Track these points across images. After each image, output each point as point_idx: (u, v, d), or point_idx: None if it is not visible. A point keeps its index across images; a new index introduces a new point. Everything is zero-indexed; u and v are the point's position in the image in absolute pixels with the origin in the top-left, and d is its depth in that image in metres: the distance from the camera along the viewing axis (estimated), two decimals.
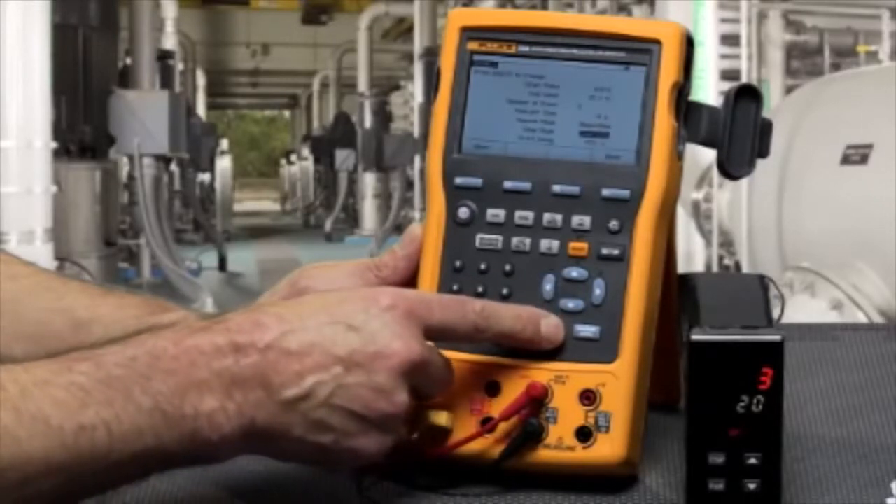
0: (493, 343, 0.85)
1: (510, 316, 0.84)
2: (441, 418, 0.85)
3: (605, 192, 0.87)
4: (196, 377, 0.74)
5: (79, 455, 0.69)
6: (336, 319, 0.78)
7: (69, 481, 0.70)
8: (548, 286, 0.87)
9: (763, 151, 0.90)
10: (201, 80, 24.00)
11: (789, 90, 8.84)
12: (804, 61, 10.21)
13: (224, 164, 20.21)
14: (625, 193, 0.87)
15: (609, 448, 0.84)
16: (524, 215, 0.88)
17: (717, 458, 0.80)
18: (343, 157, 19.62)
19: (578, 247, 0.87)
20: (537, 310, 0.85)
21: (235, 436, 0.74)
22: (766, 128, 0.90)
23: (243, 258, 16.01)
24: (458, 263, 0.88)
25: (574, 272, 0.87)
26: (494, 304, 0.85)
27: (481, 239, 0.88)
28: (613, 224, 0.87)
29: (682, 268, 0.95)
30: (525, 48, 0.90)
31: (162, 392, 0.73)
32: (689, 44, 0.89)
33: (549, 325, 0.85)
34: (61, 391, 0.70)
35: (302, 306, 0.79)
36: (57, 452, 0.69)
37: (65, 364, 0.72)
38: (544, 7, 12.45)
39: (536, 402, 0.84)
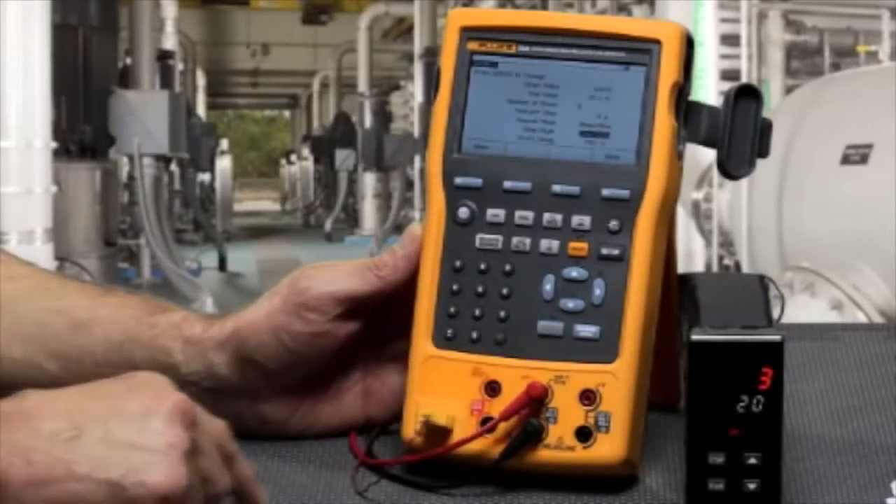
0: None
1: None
2: (441, 418, 0.85)
3: (605, 192, 0.87)
4: None
5: None
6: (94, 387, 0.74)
7: None
8: (548, 286, 0.87)
9: (763, 151, 0.90)
10: (201, 80, 23.99)
11: (789, 90, 8.84)
12: (804, 61, 10.21)
13: (224, 164, 20.21)
14: (625, 193, 0.87)
15: (609, 448, 0.84)
16: (524, 215, 0.88)
17: (717, 458, 0.80)
18: (343, 157, 19.62)
19: (578, 247, 0.87)
20: None
21: (15, 477, 0.68)
22: (766, 128, 0.90)
23: (243, 258, 16.01)
24: (457, 263, 0.88)
25: (574, 272, 0.87)
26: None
27: (481, 239, 0.88)
28: (613, 224, 0.87)
29: (682, 268, 0.95)
30: (525, 48, 0.90)
31: None
32: (689, 44, 0.89)
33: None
34: None
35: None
36: None
37: None
38: (544, 7, 12.45)
39: (536, 402, 0.84)
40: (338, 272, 0.92)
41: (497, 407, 0.85)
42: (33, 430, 0.69)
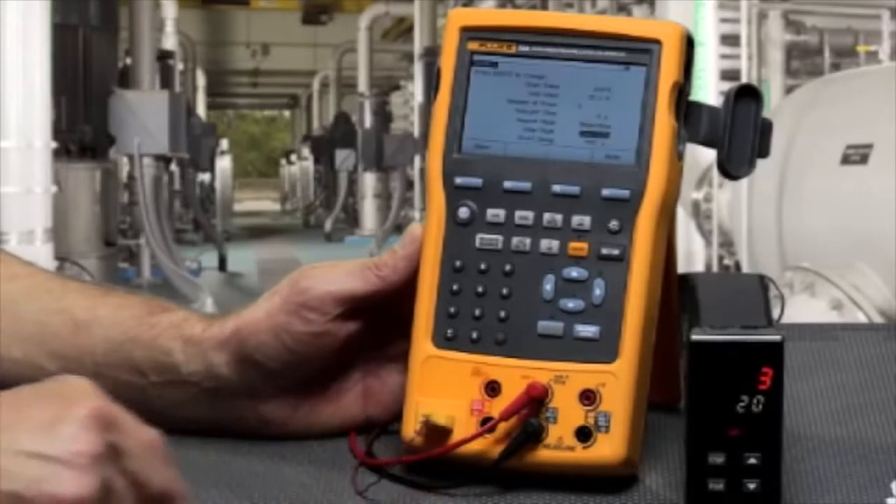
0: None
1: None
2: (441, 418, 0.85)
3: (605, 192, 0.87)
4: None
5: None
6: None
7: None
8: (548, 286, 0.87)
9: (763, 151, 0.90)
10: (201, 80, 24.00)
11: (789, 90, 8.85)
12: (804, 61, 10.21)
13: (224, 164, 20.23)
14: (625, 193, 0.87)
15: (609, 448, 0.84)
16: (524, 215, 0.88)
17: (717, 458, 0.80)
18: (343, 157, 19.62)
19: (578, 247, 0.87)
20: None
21: None
22: (766, 128, 0.90)
23: (243, 258, 16.02)
24: (457, 263, 0.88)
25: (574, 272, 0.87)
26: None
27: (481, 239, 0.88)
28: (613, 224, 0.87)
29: (682, 268, 0.95)
30: (525, 48, 0.90)
31: None
32: (689, 44, 0.89)
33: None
34: None
35: None
36: None
37: None
38: (544, 7, 12.45)
39: (536, 402, 0.84)
40: (338, 272, 0.92)
41: (497, 407, 0.85)
42: None
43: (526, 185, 0.88)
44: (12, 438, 0.67)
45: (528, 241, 0.88)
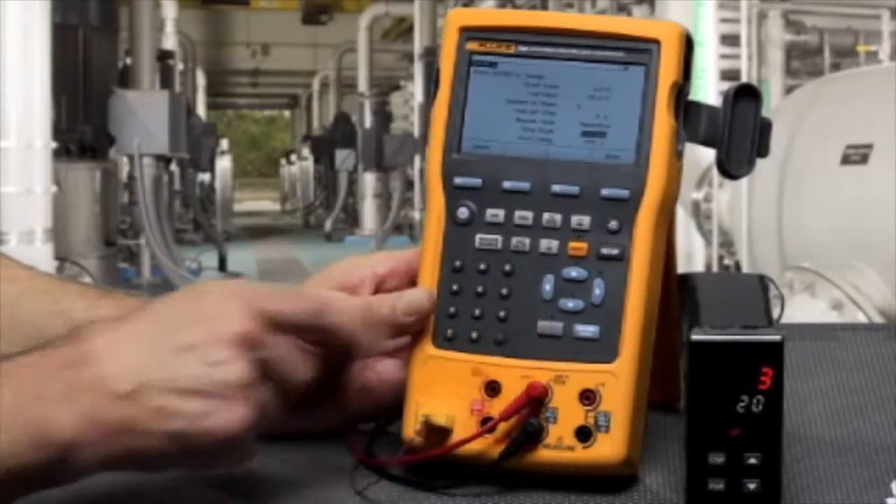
0: (329, 334, 0.85)
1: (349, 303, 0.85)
2: (441, 418, 0.85)
3: (605, 191, 0.87)
4: (38, 389, 0.74)
5: None
6: (161, 313, 0.79)
7: None
8: (547, 286, 0.87)
9: (762, 151, 0.90)
10: (201, 80, 24.00)
11: (789, 90, 8.85)
12: (804, 61, 10.21)
13: (224, 164, 20.22)
14: (624, 193, 0.87)
15: (609, 448, 0.84)
16: (523, 215, 0.88)
17: (717, 458, 0.80)
18: (343, 157, 19.63)
19: (578, 247, 0.87)
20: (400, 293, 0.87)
21: (83, 438, 0.74)
22: (765, 127, 0.90)
23: (243, 258, 16.02)
24: (457, 263, 0.88)
25: (574, 272, 0.87)
26: (334, 294, 0.86)
27: (481, 239, 0.88)
28: (613, 224, 0.87)
29: (682, 268, 0.95)
30: (524, 48, 0.90)
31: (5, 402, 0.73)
32: (688, 44, 0.89)
33: (413, 295, 0.87)
34: None
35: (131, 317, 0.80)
36: None
37: None
38: (544, 7, 12.45)
39: (536, 401, 0.84)
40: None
41: (497, 407, 0.85)
42: (98, 384, 0.74)
43: (525, 185, 0.88)
44: (166, 377, 0.75)
45: (527, 241, 0.87)
